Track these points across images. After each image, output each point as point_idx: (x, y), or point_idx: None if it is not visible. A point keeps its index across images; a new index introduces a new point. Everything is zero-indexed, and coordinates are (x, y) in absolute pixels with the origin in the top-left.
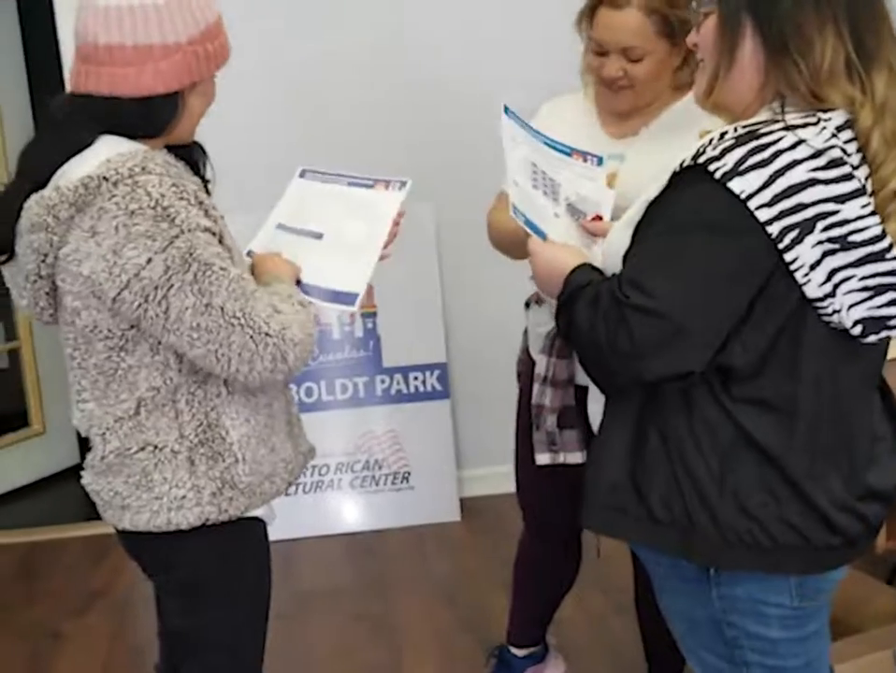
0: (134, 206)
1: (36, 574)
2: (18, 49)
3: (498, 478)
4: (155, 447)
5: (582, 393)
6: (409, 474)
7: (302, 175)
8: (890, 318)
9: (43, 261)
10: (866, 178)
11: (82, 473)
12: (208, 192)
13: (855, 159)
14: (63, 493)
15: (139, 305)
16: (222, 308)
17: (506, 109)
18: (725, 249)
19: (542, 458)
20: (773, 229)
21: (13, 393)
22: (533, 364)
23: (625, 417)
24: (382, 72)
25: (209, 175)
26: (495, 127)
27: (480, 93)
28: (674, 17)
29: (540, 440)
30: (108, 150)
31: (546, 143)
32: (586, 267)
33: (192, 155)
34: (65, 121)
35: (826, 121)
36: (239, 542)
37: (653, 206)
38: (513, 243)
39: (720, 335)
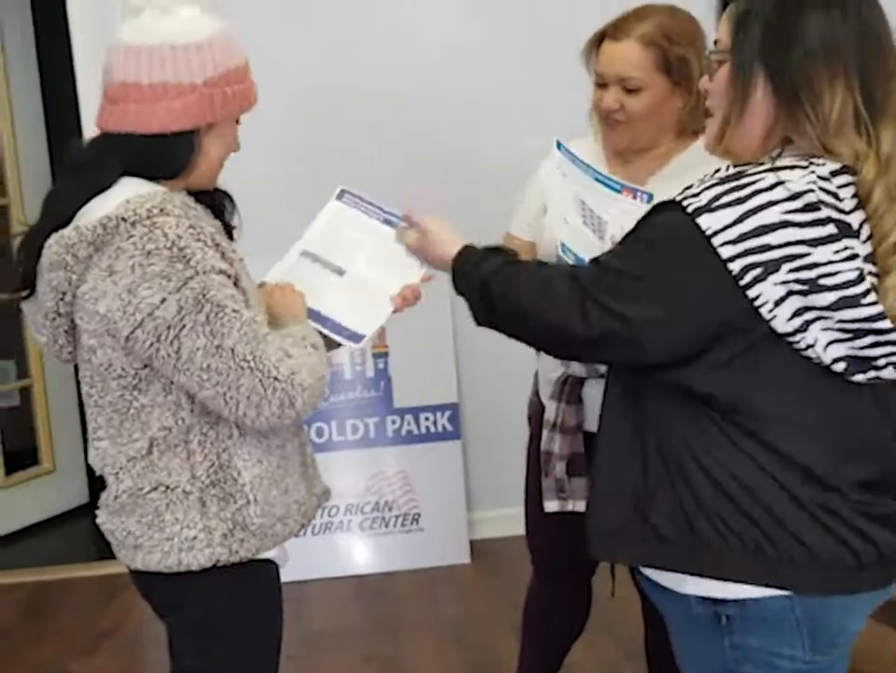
0: (150, 246)
1: (45, 613)
2: (37, 95)
3: (509, 520)
4: (167, 487)
5: (591, 439)
6: (419, 516)
7: (340, 196)
8: (875, 358)
9: (62, 299)
10: (860, 225)
11: (97, 512)
12: (231, 237)
13: (848, 204)
14: (72, 531)
15: (152, 344)
16: (232, 351)
17: (558, 145)
18: (686, 281)
19: (551, 505)
20: (735, 266)
21: (24, 431)
22: (543, 408)
23: (620, 439)
24: (399, 111)
25: (235, 222)
26: (508, 166)
27: (495, 134)
28: (672, 53)
29: (549, 487)
30: (128, 192)
31: (597, 179)
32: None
33: (215, 200)
34: (87, 162)
35: (818, 165)
36: (251, 584)
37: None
38: None
39: (680, 349)
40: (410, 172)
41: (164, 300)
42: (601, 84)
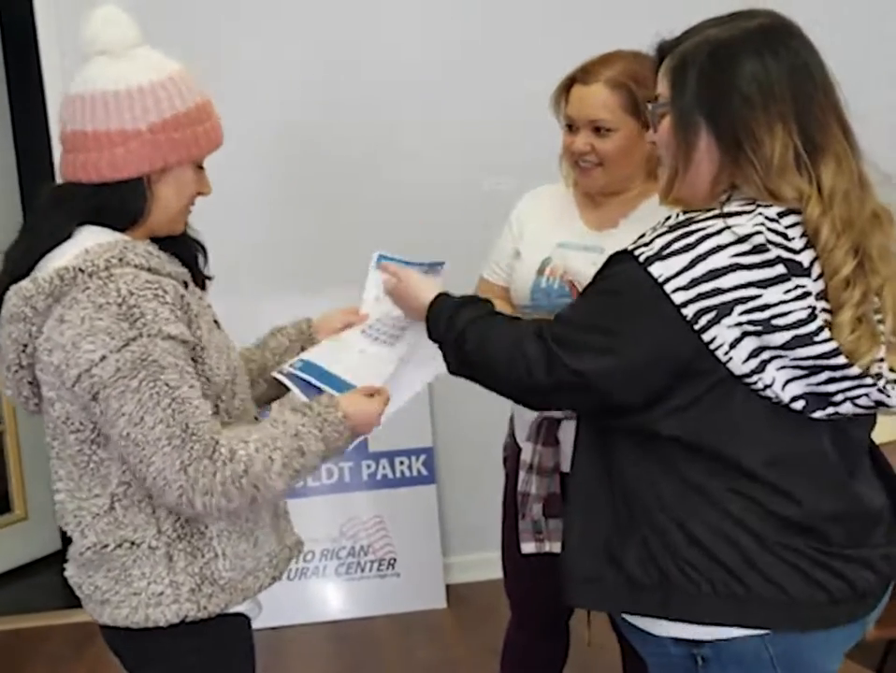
0: (101, 300)
1: (18, 664)
2: (8, 136)
3: (485, 564)
4: (133, 543)
5: (568, 480)
6: (394, 560)
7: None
8: (832, 394)
9: (23, 351)
10: (811, 263)
11: (66, 565)
12: (203, 286)
13: (797, 243)
14: (45, 580)
15: (88, 400)
16: (152, 427)
17: (380, 258)
18: (643, 328)
19: (528, 547)
20: (688, 311)
21: None
22: (519, 450)
23: (590, 485)
24: (367, 150)
25: (208, 272)
26: (478, 210)
27: (465, 177)
28: (640, 94)
29: (525, 529)
30: (87, 241)
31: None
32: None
33: (184, 250)
34: (44, 212)
35: (765, 207)
36: (220, 640)
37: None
38: None
39: (642, 393)
40: (383, 214)
41: (104, 357)
42: (572, 128)
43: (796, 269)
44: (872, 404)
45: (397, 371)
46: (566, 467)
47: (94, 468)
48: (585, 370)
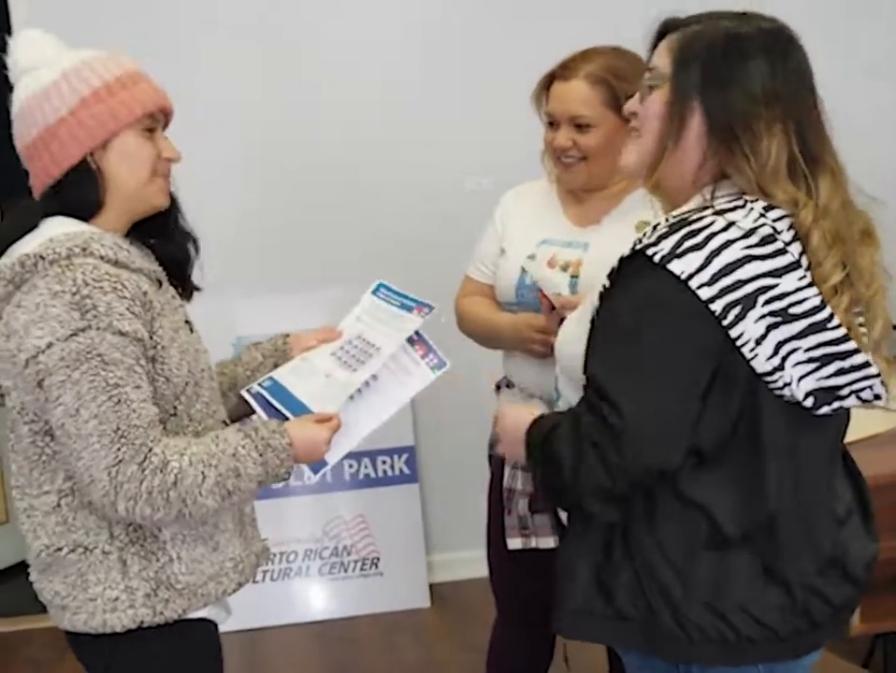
0: (57, 287)
1: None
2: None
3: (469, 563)
4: (86, 548)
5: None
6: (377, 560)
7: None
8: (840, 388)
9: None
10: (800, 255)
11: (29, 570)
12: (189, 296)
13: (787, 236)
14: (25, 583)
15: (34, 386)
16: (86, 421)
17: (378, 287)
18: (677, 336)
19: (514, 543)
20: (716, 306)
21: None
22: None
23: (588, 521)
24: (346, 150)
25: (199, 274)
26: (460, 209)
27: (446, 178)
28: (620, 89)
29: (511, 525)
30: (52, 231)
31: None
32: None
33: (172, 246)
34: (15, 213)
35: (752, 202)
36: (182, 645)
37: (602, 301)
38: (486, 333)
39: (690, 429)
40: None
41: (50, 345)
42: (553, 124)
43: (797, 259)
44: (871, 397)
45: (362, 394)
46: None
47: (46, 462)
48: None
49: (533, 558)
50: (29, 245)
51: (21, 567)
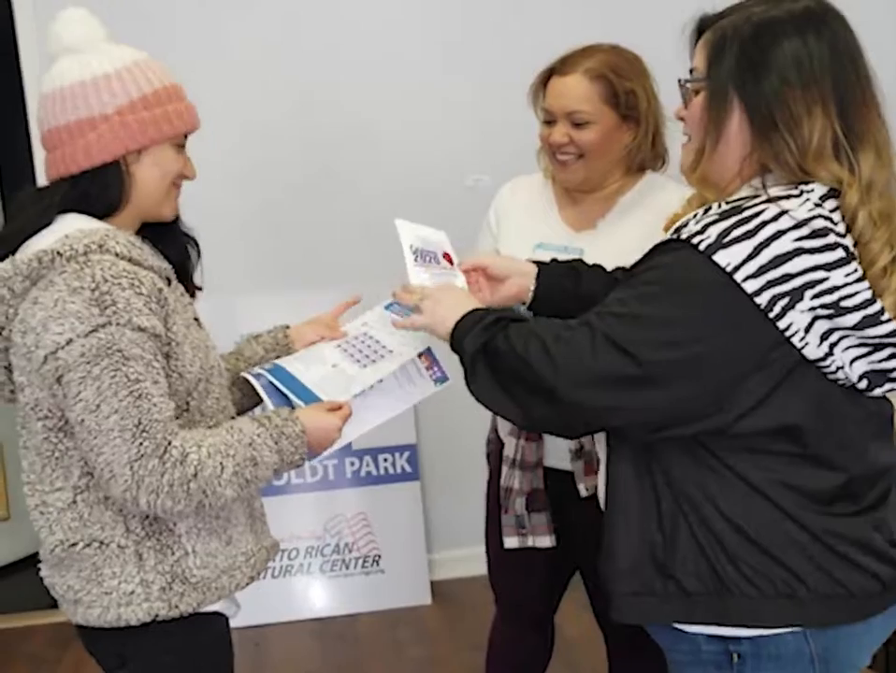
0: (76, 283)
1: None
2: None
3: (470, 560)
4: (101, 542)
5: (550, 475)
6: (379, 557)
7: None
8: (892, 370)
9: (0, 333)
10: (854, 246)
11: (40, 565)
12: (192, 294)
13: (840, 227)
14: (27, 580)
15: (53, 382)
16: (107, 417)
17: (388, 305)
18: (717, 321)
19: (511, 542)
20: (762, 299)
21: None
22: (502, 445)
23: (629, 496)
24: (346, 150)
25: (199, 275)
26: (459, 207)
27: (446, 177)
28: (619, 86)
29: (508, 523)
30: (68, 227)
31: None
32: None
33: (176, 247)
34: (25, 206)
35: (808, 192)
36: (194, 638)
37: (632, 275)
38: None
39: (709, 401)
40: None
41: (70, 341)
42: (550, 121)
43: (850, 253)
44: None
45: (367, 394)
46: (549, 462)
47: (59, 458)
48: (647, 360)
49: (530, 556)
50: (45, 241)
51: (21, 564)
